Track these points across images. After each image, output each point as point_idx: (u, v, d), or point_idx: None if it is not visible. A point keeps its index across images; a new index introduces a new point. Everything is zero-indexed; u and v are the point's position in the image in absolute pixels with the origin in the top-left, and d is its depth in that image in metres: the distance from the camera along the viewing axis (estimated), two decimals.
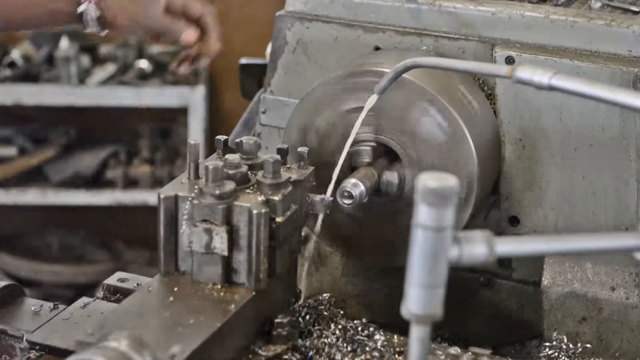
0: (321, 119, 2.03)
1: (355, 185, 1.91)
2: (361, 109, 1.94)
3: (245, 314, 1.69)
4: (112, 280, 1.95)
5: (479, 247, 1.23)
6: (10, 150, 5.15)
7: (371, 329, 1.87)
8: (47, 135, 5.26)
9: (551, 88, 1.52)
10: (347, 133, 2.00)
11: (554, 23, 2.02)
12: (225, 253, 1.67)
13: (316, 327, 1.83)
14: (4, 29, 2.19)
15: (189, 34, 2.12)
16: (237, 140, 1.85)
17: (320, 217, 1.90)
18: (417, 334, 1.25)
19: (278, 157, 1.76)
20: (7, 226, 5.32)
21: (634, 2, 2.11)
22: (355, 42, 2.14)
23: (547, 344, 2.01)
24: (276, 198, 1.72)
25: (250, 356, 1.71)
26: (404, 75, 1.90)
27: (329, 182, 1.99)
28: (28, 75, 4.97)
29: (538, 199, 2.05)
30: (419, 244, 1.20)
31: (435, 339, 2.13)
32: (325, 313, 1.85)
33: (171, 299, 1.68)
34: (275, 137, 2.25)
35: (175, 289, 1.71)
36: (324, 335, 1.81)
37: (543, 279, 2.06)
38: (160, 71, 5.12)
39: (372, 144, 1.98)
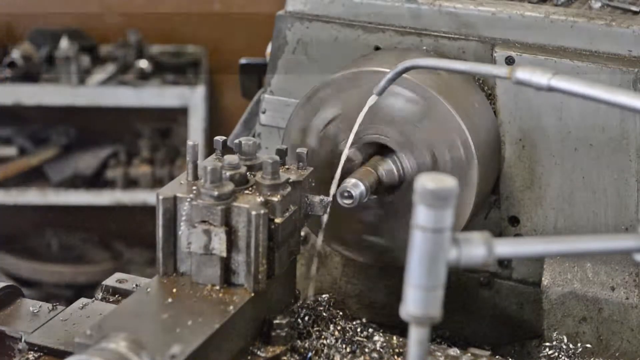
0: (321, 119, 2.02)
1: (355, 185, 1.91)
2: (361, 109, 1.94)
3: (244, 315, 1.68)
4: (111, 281, 1.95)
5: (478, 249, 1.22)
6: (10, 150, 5.15)
7: (370, 329, 1.87)
8: (47, 135, 5.26)
9: (550, 89, 1.52)
10: (347, 133, 2.00)
11: (554, 23, 2.02)
12: (224, 254, 1.67)
13: (315, 328, 1.83)
14: None
15: None
16: (236, 140, 1.85)
17: (324, 222, 1.90)
18: (416, 336, 1.24)
19: (277, 158, 1.75)
20: (7, 226, 5.32)
21: (634, 2, 2.11)
22: (355, 42, 2.14)
23: (547, 344, 2.01)
24: (275, 199, 1.71)
25: (249, 357, 1.71)
26: (403, 75, 1.90)
27: (329, 182, 1.98)
28: (28, 75, 4.97)
29: (538, 199, 2.05)
30: (418, 245, 1.20)
31: (435, 339, 2.13)
32: (324, 314, 1.85)
33: (170, 300, 1.68)
34: (275, 137, 2.25)
35: (174, 290, 1.70)
36: (323, 336, 1.81)
37: (543, 279, 2.06)
38: (160, 71, 5.12)
39: (367, 143, 1.98)
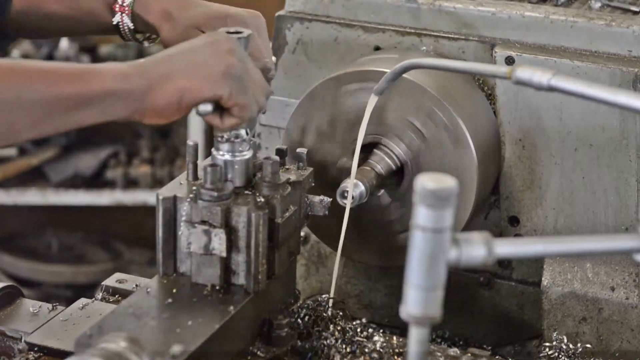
0: (321, 120, 2.02)
1: (355, 186, 1.91)
2: (361, 109, 1.94)
3: (244, 315, 1.68)
4: (111, 281, 1.95)
5: (477, 249, 1.22)
6: (10, 151, 5.15)
7: (370, 330, 1.86)
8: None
9: (550, 89, 1.52)
10: (347, 133, 2.00)
11: (554, 23, 2.02)
12: (224, 254, 1.67)
13: (315, 329, 1.83)
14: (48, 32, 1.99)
15: None
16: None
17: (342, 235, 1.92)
18: (416, 336, 1.24)
19: (277, 158, 1.75)
20: (7, 226, 5.32)
21: (634, 2, 2.11)
22: (355, 42, 2.14)
23: (547, 344, 2.01)
24: (275, 199, 1.71)
25: (249, 358, 1.71)
26: (403, 75, 1.90)
27: (330, 183, 1.98)
28: None
29: (538, 199, 2.05)
30: (418, 245, 1.20)
31: (435, 339, 2.13)
32: (324, 314, 1.85)
33: (170, 300, 1.68)
34: (275, 137, 2.25)
35: (174, 290, 1.70)
36: (323, 337, 1.81)
37: (543, 279, 2.06)
38: None
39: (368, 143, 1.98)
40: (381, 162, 1.97)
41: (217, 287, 1.70)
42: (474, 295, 2.16)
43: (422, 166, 1.96)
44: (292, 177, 1.79)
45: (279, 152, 1.84)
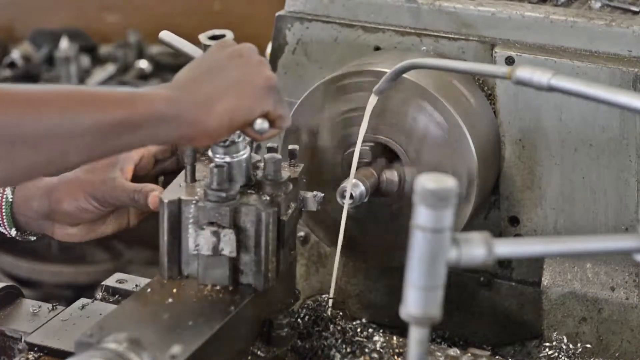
0: (321, 119, 2.02)
1: (355, 186, 1.91)
2: (361, 109, 1.94)
3: (244, 315, 1.68)
4: (111, 281, 1.95)
5: (477, 249, 1.22)
6: None
7: (370, 330, 1.86)
8: None
9: (551, 89, 1.52)
10: (347, 133, 2.00)
11: (554, 23, 2.02)
12: (234, 254, 1.67)
13: (315, 329, 1.83)
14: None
15: (154, 198, 1.81)
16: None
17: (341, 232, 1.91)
18: (416, 336, 1.24)
19: (279, 156, 1.76)
20: None
21: (634, 2, 2.11)
22: (355, 42, 2.14)
23: (547, 344, 2.01)
24: (280, 197, 1.71)
25: (250, 358, 1.71)
26: (403, 75, 1.90)
27: (329, 182, 1.99)
28: (28, 75, 4.96)
29: (538, 199, 2.05)
30: (418, 245, 1.20)
31: (435, 339, 2.13)
32: (324, 314, 1.85)
33: (170, 300, 1.68)
34: (275, 137, 2.24)
35: (174, 290, 1.70)
36: (323, 337, 1.81)
37: (543, 279, 2.06)
38: (160, 71, 5.11)
39: (371, 143, 1.98)
40: (389, 181, 1.97)
41: (218, 287, 1.70)
42: (474, 295, 2.16)
43: (422, 167, 1.96)
44: (289, 174, 1.79)
45: (291, 152, 1.84)
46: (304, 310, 1.85)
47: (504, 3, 2.09)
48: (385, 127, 1.97)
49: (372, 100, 1.92)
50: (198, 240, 1.67)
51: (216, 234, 1.66)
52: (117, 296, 1.92)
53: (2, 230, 1.90)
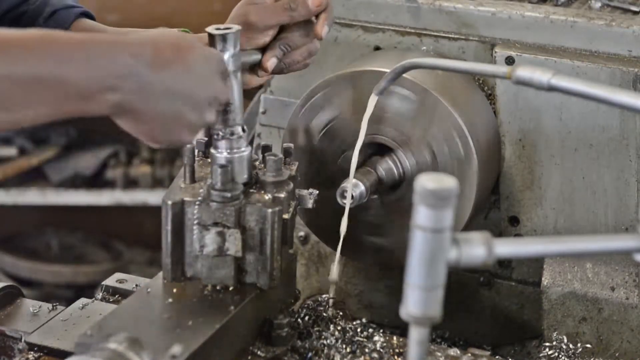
0: (321, 119, 2.02)
1: (355, 186, 1.91)
2: (361, 109, 1.94)
3: (244, 315, 1.68)
4: (111, 281, 1.95)
5: (477, 249, 1.22)
6: (10, 150, 5.14)
7: (370, 330, 1.86)
8: (47, 135, 5.25)
9: (551, 88, 1.51)
10: (347, 133, 2.00)
11: (554, 23, 2.02)
12: (240, 254, 1.66)
13: (315, 329, 1.83)
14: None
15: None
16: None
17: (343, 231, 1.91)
18: (416, 336, 1.24)
19: (281, 155, 1.76)
20: (7, 226, 5.32)
21: (634, 2, 2.11)
22: (355, 42, 2.14)
23: (547, 344, 2.01)
24: (282, 196, 1.71)
25: (250, 357, 1.71)
26: (403, 75, 1.90)
27: (328, 182, 1.99)
28: None
29: (538, 199, 2.05)
30: (418, 245, 1.20)
31: (435, 339, 2.13)
32: (324, 314, 1.85)
33: (170, 300, 1.68)
34: (275, 137, 2.25)
35: (175, 290, 1.70)
36: (323, 337, 1.81)
37: (543, 279, 2.06)
38: None
39: (366, 144, 1.98)
40: (387, 171, 1.96)
41: (218, 287, 1.70)
42: (474, 295, 2.16)
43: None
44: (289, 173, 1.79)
45: (286, 151, 1.84)
46: (304, 310, 1.85)
47: (504, 3, 2.09)
48: (380, 127, 1.97)
49: (372, 100, 1.92)
50: (203, 241, 1.66)
51: (221, 234, 1.65)
52: (117, 296, 1.92)
53: None
